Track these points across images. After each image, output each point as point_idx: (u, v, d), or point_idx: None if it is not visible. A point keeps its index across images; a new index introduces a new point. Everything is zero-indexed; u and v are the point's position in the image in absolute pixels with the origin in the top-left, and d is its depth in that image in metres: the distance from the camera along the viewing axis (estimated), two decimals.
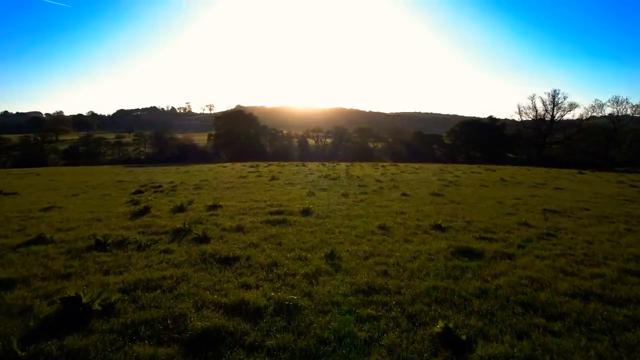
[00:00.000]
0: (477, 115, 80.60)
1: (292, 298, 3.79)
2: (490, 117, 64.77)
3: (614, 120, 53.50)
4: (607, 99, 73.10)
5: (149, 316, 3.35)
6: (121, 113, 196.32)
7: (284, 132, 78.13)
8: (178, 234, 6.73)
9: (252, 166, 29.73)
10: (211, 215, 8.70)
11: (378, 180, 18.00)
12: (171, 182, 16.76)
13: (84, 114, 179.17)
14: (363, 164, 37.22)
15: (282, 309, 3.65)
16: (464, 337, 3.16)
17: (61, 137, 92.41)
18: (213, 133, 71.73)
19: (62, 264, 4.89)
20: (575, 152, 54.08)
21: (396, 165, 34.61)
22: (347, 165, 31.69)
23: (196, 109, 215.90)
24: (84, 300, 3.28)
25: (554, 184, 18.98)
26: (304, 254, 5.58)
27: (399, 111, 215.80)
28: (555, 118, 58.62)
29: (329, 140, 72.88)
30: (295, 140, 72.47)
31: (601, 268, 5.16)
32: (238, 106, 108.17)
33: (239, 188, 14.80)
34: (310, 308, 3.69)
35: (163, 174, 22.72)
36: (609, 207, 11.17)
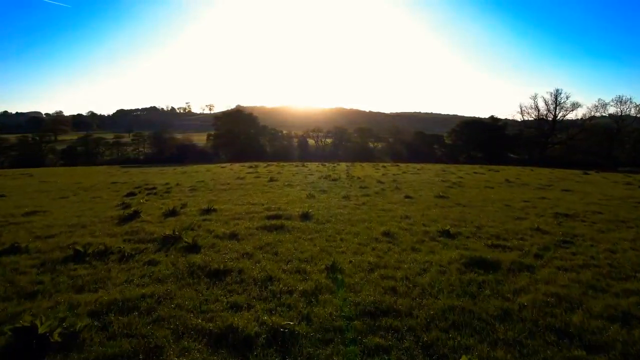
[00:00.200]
0: (477, 115, 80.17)
1: (289, 324, 3.28)
2: (492, 117, 64.23)
3: (617, 120, 52.91)
4: (611, 99, 72.62)
5: (117, 350, 2.82)
6: (121, 113, 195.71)
7: (284, 132, 77.55)
8: (166, 242, 6.21)
9: (250, 167, 29.22)
10: (204, 220, 8.18)
11: (380, 182, 17.48)
12: (166, 184, 16.24)
13: (84, 114, 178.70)
14: (364, 164, 36.71)
15: (277, 337, 3.13)
16: None
17: (60, 137, 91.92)
18: (212, 133, 71.15)
19: (30, 279, 4.38)
20: (578, 152, 53.54)
21: (397, 165, 34.10)
22: (347, 166, 31.18)
23: (196, 109, 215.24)
24: (41, 330, 2.77)
25: (560, 185, 18.47)
26: (302, 265, 5.07)
27: (399, 111, 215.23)
28: (558, 118, 58.07)
29: (329, 140, 72.32)
30: (295, 140, 71.90)
31: (632, 283, 4.64)
32: (238, 106, 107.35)
33: (236, 190, 14.29)
34: (308, 336, 3.18)
35: (159, 175, 22.20)
36: (623, 211, 10.66)
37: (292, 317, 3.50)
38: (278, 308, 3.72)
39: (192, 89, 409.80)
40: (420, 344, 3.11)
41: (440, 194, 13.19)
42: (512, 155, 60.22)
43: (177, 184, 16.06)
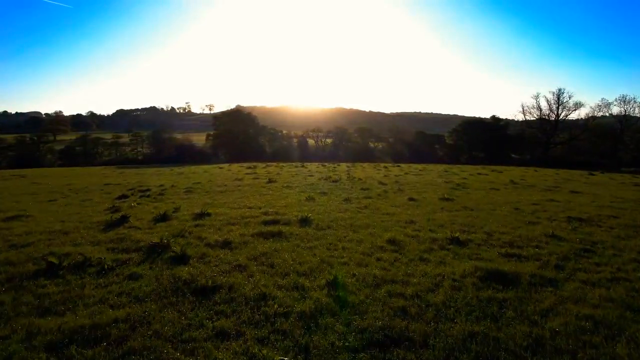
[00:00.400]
0: (477, 115, 79.55)
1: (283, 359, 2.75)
2: (493, 117, 63.64)
3: (621, 120, 52.29)
4: (614, 98, 72.00)
5: None
6: (121, 113, 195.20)
7: (284, 132, 77.04)
8: (153, 252, 5.69)
9: (249, 167, 28.69)
10: (197, 225, 7.66)
11: (381, 183, 16.96)
12: (161, 186, 15.72)
13: (83, 114, 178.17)
14: (364, 164, 36.20)
15: None
16: None
17: (59, 137, 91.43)
18: (211, 133, 70.60)
19: None
20: (581, 153, 53.00)
21: (399, 166, 33.57)
22: (348, 167, 30.65)
23: (196, 109, 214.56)
24: None
25: (567, 186, 17.93)
26: (300, 280, 4.55)
27: (399, 111, 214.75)
28: (560, 118, 57.49)
29: (329, 141, 71.79)
30: (295, 140, 71.36)
31: None
32: (238, 106, 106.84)
33: (233, 192, 13.77)
34: None
35: (155, 176, 21.67)
36: (639, 215, 10.13)
37: (287, 349, 2.99)
38: (271, 336, 3.20)
39: (192, 89, 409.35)
40: None
41: (445, 196, 12.67)
42: (513, 155, 59.67)
43: (172, 186, 15.54)
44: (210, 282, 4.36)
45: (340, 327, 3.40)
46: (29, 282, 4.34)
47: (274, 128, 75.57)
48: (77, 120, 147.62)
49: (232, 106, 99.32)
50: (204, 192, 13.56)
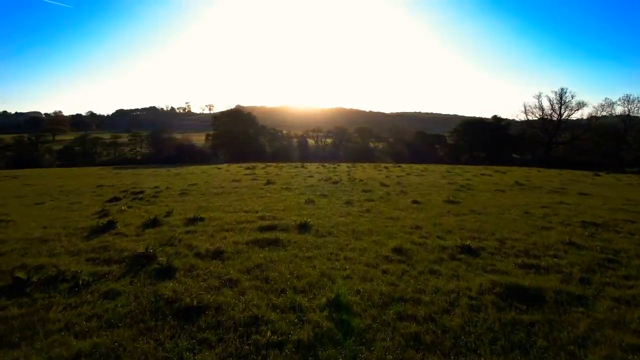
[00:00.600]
0: (477, 115, 78.99)
1: None
2: (495, 117, 63.09)
3: (624, 119, 51.70)
4: (618, 98, 71.46)
5: None
6: (120, 113, 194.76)
7: (284, 132, 76.52)
8: (136, 264, 5.18)
9: (248, 168, 28.17)
10: (188, 232, 7.15)
11: (383, 185, 16.44)
12: (156, 187, 15.20)
13: (83, 114, 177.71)
14: (365, 165, 35.68)
15: None
16: None
17: (59, 137, 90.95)
18: (211, 133, 70.06)
19: None
20: (583, 153, 52.48)
21: (400, 166, 33.04)
22: (348, 167, 30.12)
23: (196, 109, 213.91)
24: None
25: (574, 188, 17.41)
26: (298, 299, 4.03)
27: (399, 111, 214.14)
28: (563, 117, 56.90)
29: (329, 141, 71.27)
30: (295, 140, 70.83)
31: None
32: (238, 106, 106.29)
33: (230, 194, 13.25)
34: None
35: (151, 177, 21.14)
36: None
37: None
38: None
39: (192, 89, 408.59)
40: None
41: (450, 198, 12.15)
42: (515, 155, 59.13)
43: (168, 188, 15.02)
44: (195, 301, 3.84)
45: None
46: None
47: (274, 128, 75.08)
48: (77, 120, 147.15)
49: (232, 106, 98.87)
50: (200, 195, 13.04)
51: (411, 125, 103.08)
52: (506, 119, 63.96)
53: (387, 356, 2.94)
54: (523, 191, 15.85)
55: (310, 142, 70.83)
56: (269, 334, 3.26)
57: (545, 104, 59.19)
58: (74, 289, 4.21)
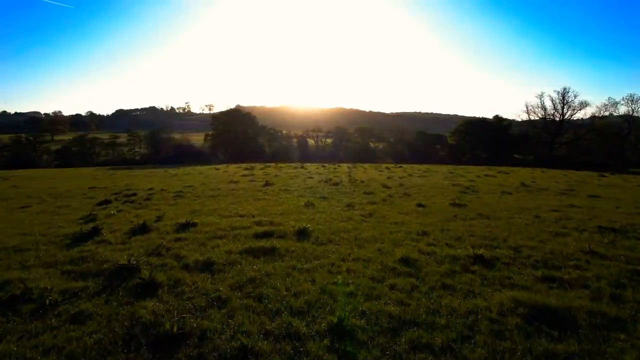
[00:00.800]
0: (477, 115, 78.29)
1: None
2: (496, 117, 62.52)
3: (628, 119, 51.12)
4: (621, 97, 70.83)
5: None
6: (120, 113, 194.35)
7: (284, 132, 76.05)
8: (116, 277, 4.66)
9: (246, 169, 27.64)
10: (177, 239, 6.63)
11: (385, 186, 15.92)
12: (150, 189, 14.67)
13: (83, 114, 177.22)
14: (366, 165, 35.17)
15: None
16: None
17: (58, 137, 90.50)
18: (210, 133, 69.52)
19: None
20: (585, 153, 51.95)
21: (401, 167, 32.53)
22: (349, 168, 29.60)
23: (196, 108, 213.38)
24: None
25: (583, 189, 16.90)
26: (295, 323, 3.51)
27: (399, 111, 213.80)
28: (566, 117, 56.33)
29: (329, 141, 70.77)
30: (295, 140, 70.33)
31: None
32: (238, 106, 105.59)
33: (227, 196, 12.73)
34: None
35: (146, 178, 20.62)
36: None
37: None
38: None
39: (191, 89, 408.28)
40: None
41: (456, 201, 11.63)
42: (517, 155, 58.59)
43: (162, 189, 14.50)
44: (176, 327, 3.32)
45: None
46: None
47: (274, 128, 74.60)
48: (76, 120, 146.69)
49: (232, 106, 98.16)
50: (195, 197, 12.52)
51: (411, 125, 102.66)
52: (507, 119, 63.48)
53: None
54: (530, 193, 15.33)
55: (310, 142, 70.33)
56: None
57: (548, 104, 58.72)
58: (38, 311, 3.69)
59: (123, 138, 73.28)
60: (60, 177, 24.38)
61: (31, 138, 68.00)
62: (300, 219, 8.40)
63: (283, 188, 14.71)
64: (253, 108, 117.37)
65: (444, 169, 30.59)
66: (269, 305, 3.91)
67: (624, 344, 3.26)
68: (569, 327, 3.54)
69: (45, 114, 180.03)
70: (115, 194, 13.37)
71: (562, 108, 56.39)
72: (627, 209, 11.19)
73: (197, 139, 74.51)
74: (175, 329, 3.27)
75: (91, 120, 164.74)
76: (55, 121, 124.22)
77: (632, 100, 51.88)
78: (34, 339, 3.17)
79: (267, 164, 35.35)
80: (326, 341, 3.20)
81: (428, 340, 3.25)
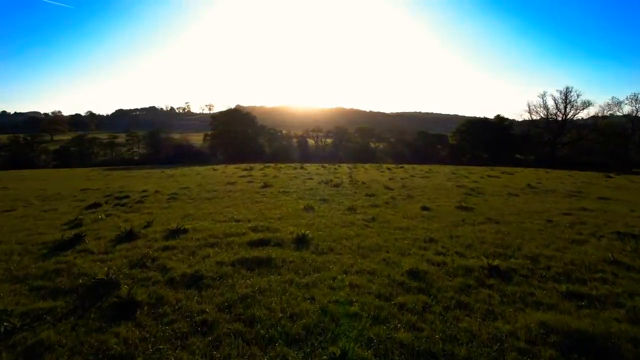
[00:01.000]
0: (477, 115, 77.67)
1: None
2: (498, 117, 61.91)
3: (632, 119, 50.50)
4: (625, 97, 70.15)
5: None
6: (120, 113, 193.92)
7: (284, 132, 75.51)
8: (91, 295, 4.14)
9: (245, 169, 27.11)
10: (166, 248, 6.11)
11: (388, 188, 15.39)
12: (144, 191, 14.14)
13: (82, 114, 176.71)
14: (366, 166, 34.67)
15: None
16: None
17: (57, 137, 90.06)
18: (209, 133, 68.97)
19: None
20: (587, 153, 51.41)
21: (402, 167, 32.00)
22: (349, 168, 29.07)
23: (196, 108, 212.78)
24: None
25: (591, 191, 16.38)
26: (291, 356, 2.99)
27: (399, 111, 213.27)
28: (568, 117, 55.77)
29: (329, 141, 70.23)
30: (295, 140, 69.80)
31: None
32: (238, 106, 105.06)
33: (223, 199, 12.21)
34: None
35: (142, 180, 20.09)
36: None
37: None
38: None
39: (191, 89, 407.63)
40: None
41: (462, 204, 11.11)
42: (518, 155, 58.05)
43: (156, 192, 13.97)
44: None
45: None
46: None
47: (274, 128, 74.07)
48: (76, 120, 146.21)
49: (232, 106, 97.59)
50: (189, 200, 11.99)
51: (411, 125, 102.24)
52: (508, 119, 62.92)
53: None
54: (537, 195, 14.81)
55: (310, 142, 69.81)
56: None
57: (550, 103, 58.08)
58: None
59: (122, 138, 72.76)
60: (54, 178, 23.84)
61: (29, 138, 67.47)
62: (299, 224, 7.89)
63: (282, 190, 14.19)
64: (253, 108, 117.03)
65: (446, 169, 30.06)
66: (262, 331, 3.38)
67: None
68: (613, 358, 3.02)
69: (44, 114, 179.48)
70: (107, 196, 12.85)
71: (565, 108, 55.88)
72: None
73: (197, 139, 73.99)
74: None
75: (91, 120, 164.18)
76: (54, 121, 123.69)
77: (636, 100, 51.31)
78: None
79: (266, 165, 34.84)
80: None
81: None
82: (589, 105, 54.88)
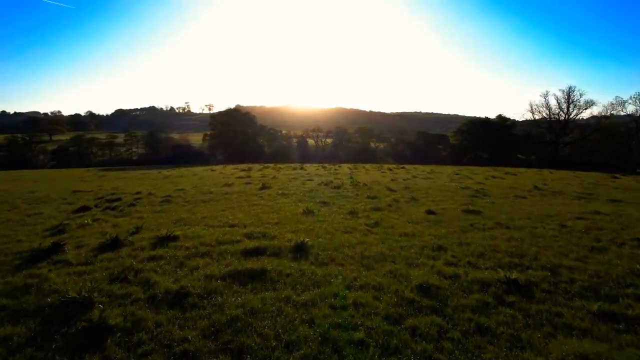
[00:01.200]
0: (477, 115, 77.01)
1: None
2: (500, 116, 61.34)
3: (636, 119, 49.87)
4: (629, 96, 69.46)
5: None
6: (120, 113, 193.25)
7: (283, 132, 74.98)
8: (57, 319, 3.62)
9: (243, 170, 26.59)
10: (152, 258, 5.59)
11: (390, 189, 14.87)
12: (137, 193, 13.62)
13: (82, 114, 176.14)
14: (367, 166, 34.13)
15: None
16: None
17: (56, 137, 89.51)
18: (209, 133, 68.43)
19: None
20: (591, 153, 50.87)
21: (404, 167, 31.46)
22: (350, 169, 28.54)
23: (195, 108, 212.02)
24: None
25: (600, 193, 15.86)
26: None
27: (399, 111, 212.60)
28: (571, 117, 55.17)
29: (329, 141, 69.71)
30: (295, 140, 69.28)
31: None
32: (238, 106, 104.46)
33: (218, 201, 11.68)
34: None
35: (137, 181, 19.57)
36: None
37: None
38: None
39: (191, 88, 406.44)
40: None
41: (469, 207, 10.58)
42: (520, 155, 57.49)
43: (150, 194, 13.44)
44: None
45: None
46: None
47: (274, 128, 73.52)
48: (75, 120, 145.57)
49: (232, 106, 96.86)
50: (183, 203, 11.47)
51: (411, 125, 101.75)
52: (510, 118, 62.38)
53: None
54: (545, 197, 14.29)
55: (310, 142, 69.31)
56: None
57: (553, 103, 57.53)
58: None
59: (121, 138, 72.22)
60: (47, 178, 23.31)
61: (27, 138, 66.94)
62: (298, 230, 7.38)
63: (281, 192, 13.66)
64: (253, 108, 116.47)
65: (449, 169, 29.54)
66: None
67: None
68: None
69: (44, 113, 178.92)
70: (98, 198, 12.32)
71: (567, 107, 55.30)
72: None
73: (197, 139, 73.47)
74: None
75: (90, 120, 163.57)
76: (53, 121, 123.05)
77: None
78: None
79: (265, 165, 34.34)
80: None
81: None
82: (592, 105, 54.33)
